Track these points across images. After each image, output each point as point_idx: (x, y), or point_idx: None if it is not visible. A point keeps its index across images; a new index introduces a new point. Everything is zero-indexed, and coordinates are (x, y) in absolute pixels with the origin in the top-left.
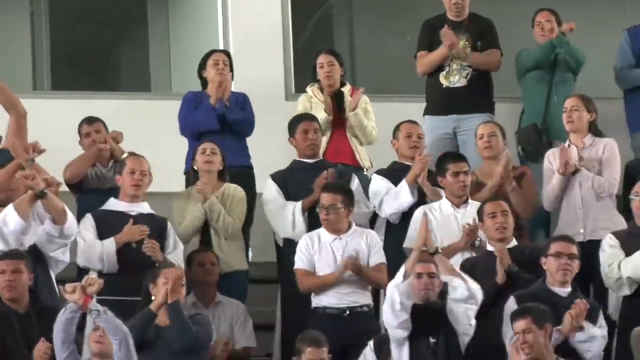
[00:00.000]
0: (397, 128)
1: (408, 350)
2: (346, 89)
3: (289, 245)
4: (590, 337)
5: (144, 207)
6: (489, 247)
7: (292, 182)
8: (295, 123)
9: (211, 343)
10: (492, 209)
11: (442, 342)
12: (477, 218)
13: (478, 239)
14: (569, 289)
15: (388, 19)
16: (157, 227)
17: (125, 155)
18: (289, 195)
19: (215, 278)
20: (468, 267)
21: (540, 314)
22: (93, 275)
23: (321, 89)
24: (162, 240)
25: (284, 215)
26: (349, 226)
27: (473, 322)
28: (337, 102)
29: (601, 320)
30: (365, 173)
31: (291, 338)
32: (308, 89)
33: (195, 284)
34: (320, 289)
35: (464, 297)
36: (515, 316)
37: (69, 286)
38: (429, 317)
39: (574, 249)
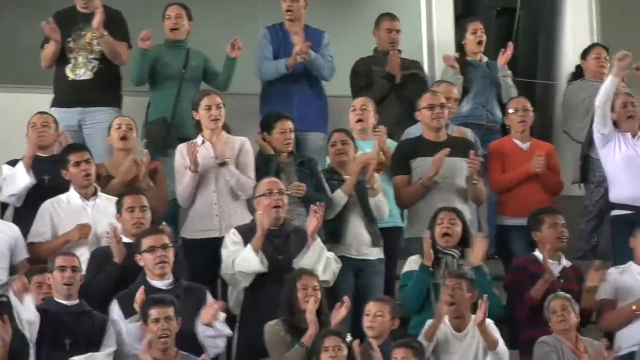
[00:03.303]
0: None
1: None
2: None
3: None
4: (220, 334)
5: None
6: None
7: None
8: None
9: None
10: (132, 203)
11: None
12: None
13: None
14: (169, 280)
15: (23, 8)
16: None
17: None
18: None
19: None
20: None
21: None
22: None
23: None
24: None
25: None
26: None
27: None
28: None
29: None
30: None
31: None
32: None
33: None
34: None
35: None
36: (158, 303)
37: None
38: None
39: (165, 239)
